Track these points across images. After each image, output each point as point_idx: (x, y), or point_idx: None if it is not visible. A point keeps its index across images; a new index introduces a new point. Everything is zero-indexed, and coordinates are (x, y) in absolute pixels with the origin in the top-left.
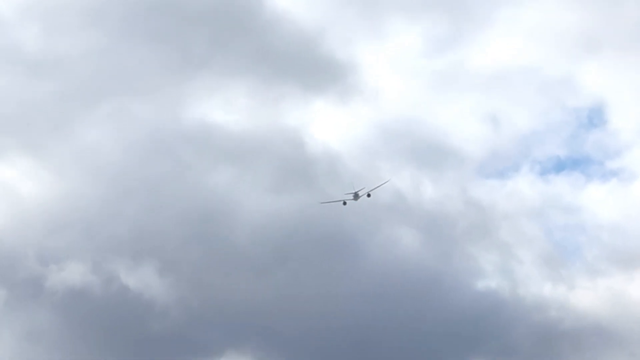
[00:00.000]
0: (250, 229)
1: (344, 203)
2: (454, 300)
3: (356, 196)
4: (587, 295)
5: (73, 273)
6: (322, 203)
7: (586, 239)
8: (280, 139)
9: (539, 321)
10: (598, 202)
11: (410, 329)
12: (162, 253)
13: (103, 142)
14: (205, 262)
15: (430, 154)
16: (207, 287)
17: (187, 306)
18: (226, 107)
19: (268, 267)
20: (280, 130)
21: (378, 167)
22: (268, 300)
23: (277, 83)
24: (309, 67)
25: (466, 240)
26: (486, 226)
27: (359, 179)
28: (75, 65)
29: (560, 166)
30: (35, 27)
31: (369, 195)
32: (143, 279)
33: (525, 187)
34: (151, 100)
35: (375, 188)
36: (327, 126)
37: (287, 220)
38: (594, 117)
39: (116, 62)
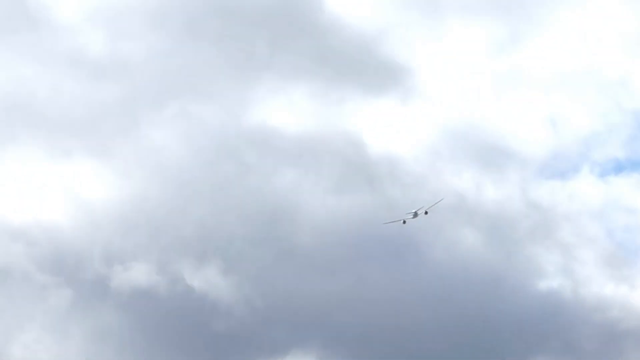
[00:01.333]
0: (313, 230)
1: (404, 222)
2: (516, 300)
3: (415, 215)
4: None
5: (138, 273)
6: (384, 224)
7: None
8: (341, 141)
9: (600, 321)
10: None
11: (472, 328)
12: (227, 253)
13: (168, 144)
14: (269, 262)
15: (491, 155)
16: (271, 287)
17: (251, 306)
18: (288, 109)
19: (331, 268)
20: (341, 132)
21: (439, 168)
22: (332, 300)
23: (339, 85)
24: (370, 69)
25: (528, 241)
26: (547, 227)
27: (420, 180)
28: (140, 69)
29: (619, 167)
30: (100, 31)
31: (426, 213)
32: (208, 279)
33: (585, 188)
34: (215, 103)
35: (432, 206)
36: (388, 128)
37: (349, 221)
38: None
39: (180, 65)
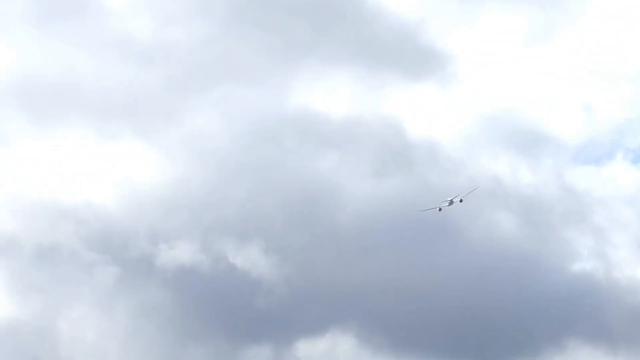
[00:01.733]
0: (352, 212)
1: (440, 209)
2: (550, 282)
3: (451, 203)
4: None
5: (182, 252)
6: (420, 211)
7: None
8: (381, 126)
9: (632, 303)
10: None
11: (507, 309)
12: (268, 234)
13: (211, 128)
14: (309, 243)
15: (527, 141)
16: (311, 267)
17: (292, 285)
18: (329, 94)
19: (370, 249)
20: (381, 117)
21: (476, 153)
22: (370, 280)
23: (379, 71)
24: (410, 55)
25: (562, 225)
26: (581, 211)
27: (457, 165)
28: (184, 55)
29: None
30: (146, 17)
31: (461, 201)
32: (249, 259)
33: (619, 174)
34: (257, 88)
35: (467, 194)
36: (427, 113)
37: (388, 204)
38: None
39: (223, 51)
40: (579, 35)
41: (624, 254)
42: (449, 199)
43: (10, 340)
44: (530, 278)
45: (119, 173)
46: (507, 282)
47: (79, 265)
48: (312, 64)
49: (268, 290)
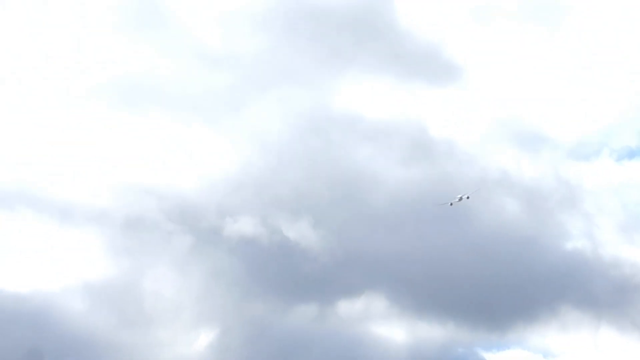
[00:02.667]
0: (384, 194)
1: (451, 204)
2: (546, 257)
3: (460, 199)
4: None
5: (245, 225)
6: (435, 205)
7: None
8: (408, 124)
9: (615, 276)
10: None
11: (510, 279)
12: (315, 211)
13: (270, 122)
14: (349, 219)
15: (530, 140)
16: (350, 239)
17: (334, 254)
18: (367, 98)
19: (399, 225)
20: (409, 117)
21: (487, 149)
22: (398, 251)
23: (407, 79)
24: (433, 67)
25: (557, 210)
26: (573, 199)
27: (472, 158)
28: (248, 61)
29: (632, 154)
30: (216, 30)
31: (468, 198)
32: (300, 232)
33: (605, 170)
34: (308, 90)
35: (472, 193)
36: (446, 115)
37: (413, 188)
38: None
39: (281, 59)
40: (573, 52)
41: (608, 235)
42: (459, 196)
43: (104, 295)
44: (530, 253)
45: (195, 158)
46: (511, 256)
47: (160, 234)
48: (353, 72)
49: (314, 258)
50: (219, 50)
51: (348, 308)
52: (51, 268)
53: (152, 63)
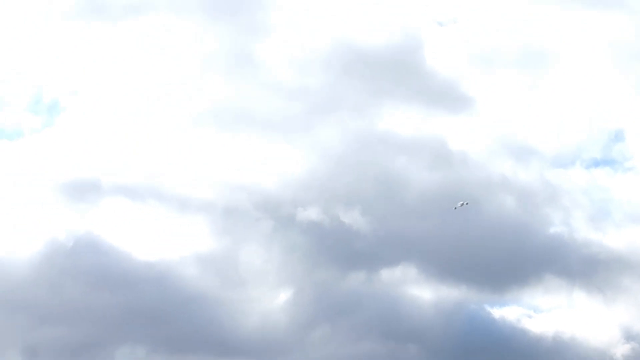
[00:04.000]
0: (415, 192)
1: (455, 208)
2: (535, 239)
3: (462, 205)
4: (620, 239)
5: (312, 213)
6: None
7: (616, 205)
8: (432, 141)
9: (585, 253)
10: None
11: (509, 255)
12: (364, 203)
13: (332, 139)
14: (389, 209)
15: (522, 152)
16: (389, 224)
17: (377, 235)
18: (401, 121)
19: (425, 215)
20: (433, 136)
21: (490, 159)
22: (426, 233)
23: (432, 108)
24: (451, 98)
25: (542, 205)
26: (555, 197)
27: (479, 165)
28: (315, 92)
29: (597, 163)
30: (291, 68)
31: (467, 204)
32: (352, 218)
33: (578, 176)
34: (359, 115)
35: (465, 204)
36: (461, 133)
37: (436, 187)
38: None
39: (338, 91)
40: (554, 90)
41: (581, 224)
42: (460, 203)
43: (210, 264)
44: (522, 236)
45: (275, 164)
46: (509, 238)
47: (249, 220)
48: (392, 101)
49: (363, 237)
50: (293, 84)
51: (388, 275)
52: (172, 243)
53: (243, 94)
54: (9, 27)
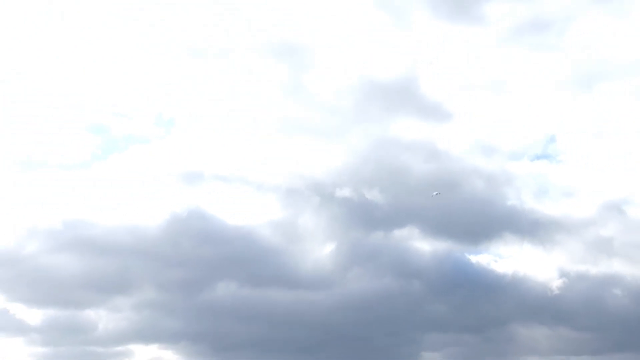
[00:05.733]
0: (416, 177)
1: (432, 196)
2: (498, 208)
3: (437, 194)
4: (555, 209)
5: (346, 192)
6: (432, 196)
7: (552, 186)
8: (430, 144)
9: (533, 218)
10: None
11: (482, 220)
12: (382, 185)
13: (358, 144)
14: (400, 190)
15: (490, 149)
16: (400, 200)
17: (391, 207)
18: (407, 131)
19: (426, 192)
20: (430, 140)
21: (471, 155)
22: (427, 205)
23: (426, 121)
24: (439, 113)
25: (503, 185)
26: (511, 180)
27: (470, 163)
28: (345, 110)
29: (539, 157)
30: (329, 91)
31: (439, 194)
32: (374, 195)
33: (527, 165)
34: (377, 126)
35: (439, 193)
36: (450, 138)
37: (432, 175)
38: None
39: (362, 109)
40: (513, 107)
41: (529, 198)
42: (435, 193)
43: (279, 228)
44: (490, 206)
45: (320, 159)
46: (482, 207)
47: (303, 197)
48: (399, 118)
49: (380, 208)
50: (332, 104)
51: (399, 234)
52: (253, 213)
53: (299, 111)
54: (144, 62)
